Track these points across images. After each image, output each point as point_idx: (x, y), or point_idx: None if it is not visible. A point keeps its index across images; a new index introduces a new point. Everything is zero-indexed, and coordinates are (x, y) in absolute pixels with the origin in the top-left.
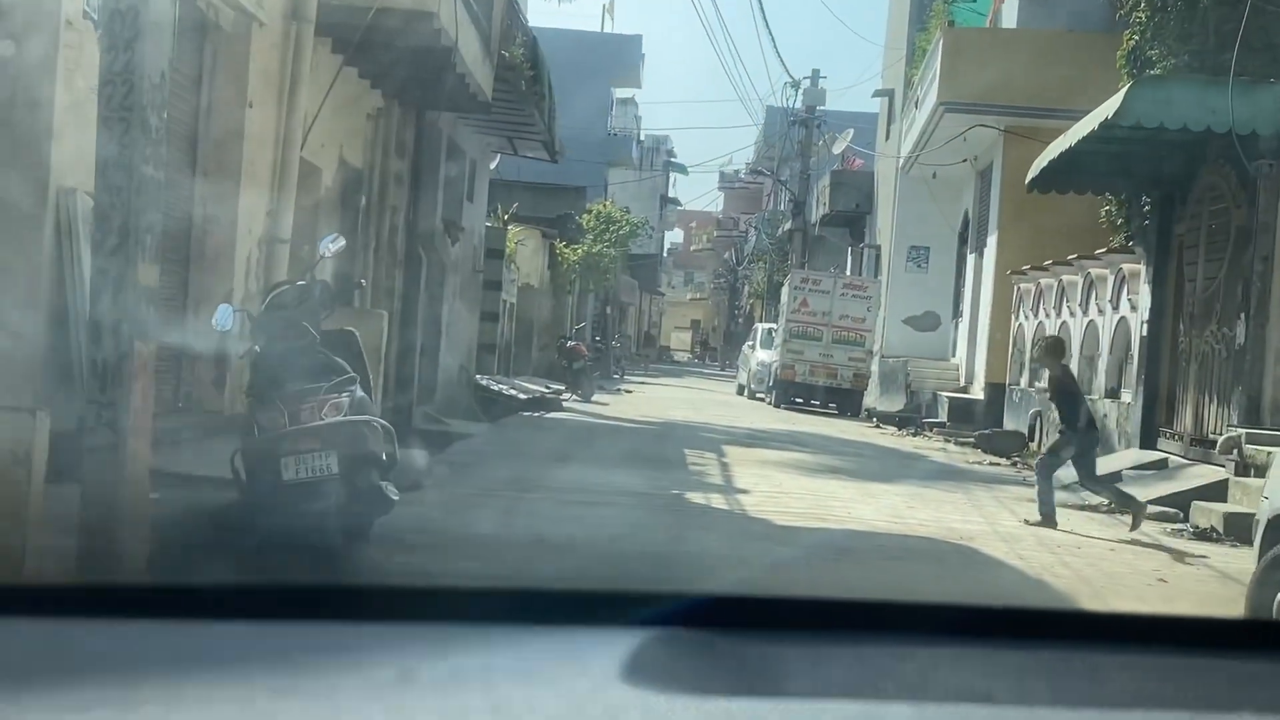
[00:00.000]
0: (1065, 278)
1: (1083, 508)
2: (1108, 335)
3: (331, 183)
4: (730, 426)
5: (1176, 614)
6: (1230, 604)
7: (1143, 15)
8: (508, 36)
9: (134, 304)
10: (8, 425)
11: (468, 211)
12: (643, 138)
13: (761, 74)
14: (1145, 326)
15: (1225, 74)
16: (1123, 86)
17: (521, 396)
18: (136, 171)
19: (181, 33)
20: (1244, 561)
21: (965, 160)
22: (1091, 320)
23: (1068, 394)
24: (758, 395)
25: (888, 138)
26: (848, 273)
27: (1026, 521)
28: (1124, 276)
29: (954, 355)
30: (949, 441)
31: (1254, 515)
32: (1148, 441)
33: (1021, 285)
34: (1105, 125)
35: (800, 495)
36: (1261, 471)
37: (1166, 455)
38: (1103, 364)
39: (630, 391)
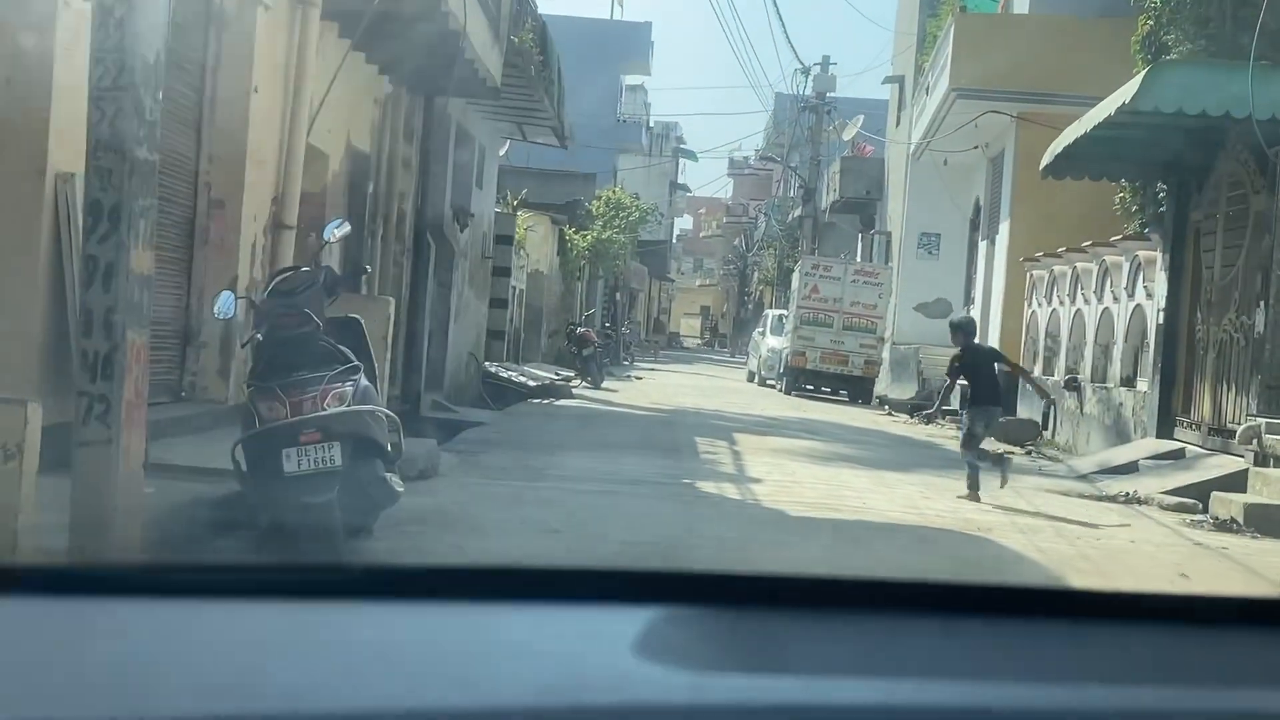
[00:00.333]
0: (1079, 265)
1: (1099, 499)
2: (1123, 323)
3: (339, 169)
4: (741, 414)
5: (1177, 592)
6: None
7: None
8: (517, 21)
9: (127, 292)
10: None
11: (477, 198)
12: (652, 124)
13: (772, 60)
14: (1161, 314)
15: (1242, 59)
16: (1137, 72)
17: (531, 383)
18: (129, 154)
19: (185, 16)
20: (1268, 554)
21: (976, 147)
22: (1106, 308)
23: (972, 369)
24: (768, 382)
25: (898, 124)
26: (858, 259)
27: (958, 496)
28: (1140, 264)
29: None
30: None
31: (1278, 505)
32: (1164, 431)
33: (1034, 272)
34: (1122, 110)
35: (813, 484)
36: None
37: (1183, 445)
38: (1118, 352)
39: (640, 378)
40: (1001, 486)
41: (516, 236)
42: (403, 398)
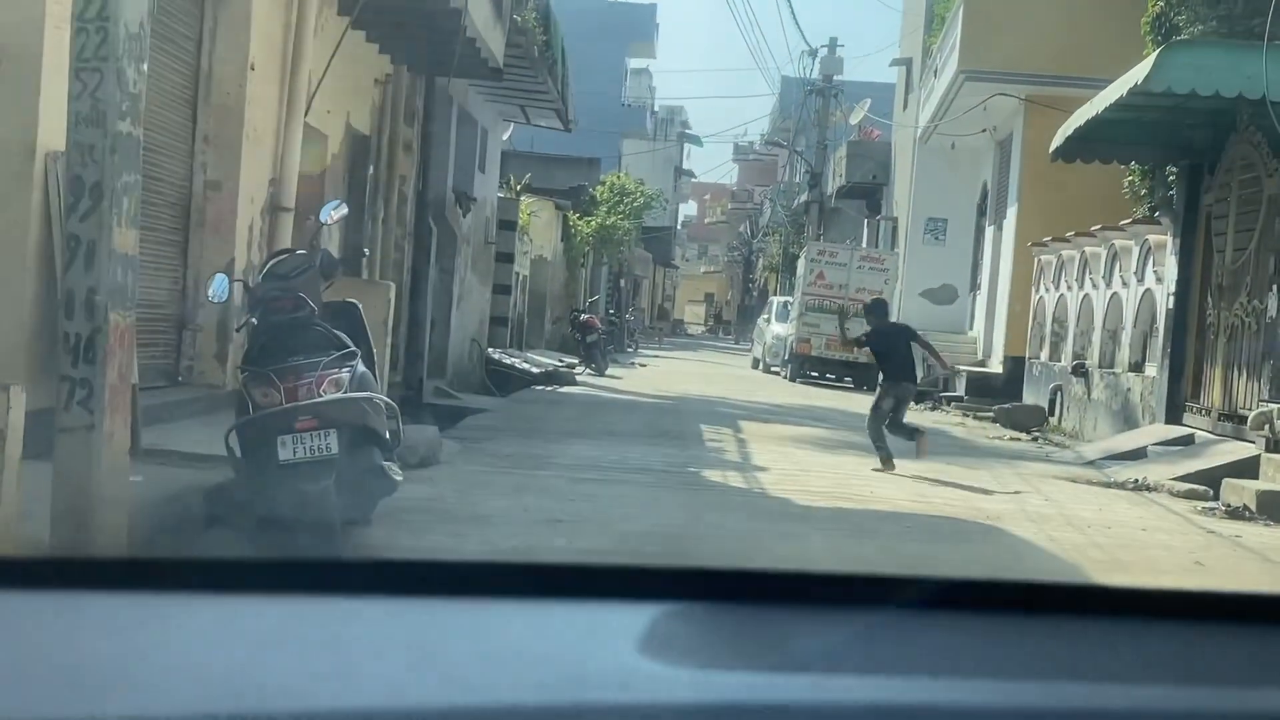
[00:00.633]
0: (1088, 249)
1: (1108, 485)
2: (1132, 308)
3: (338, 150)
4: (746, 401)
5: (1188, 588)
6: (1275, 586)
7: None
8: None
9: (110, 272)
10: None
11: (480, 182)
12: (657, 108)
13: (778, 42)
14: (1171, 299)
15: (1254, 40)
16: (1147, 54)
17: (534, 370)
18: (111, 128)
19: None
20: None
21: (984, 130)
22: (1115, 293)
23: (885, 348)
24: (773, 369)
25: (905, 108)
26: (864, 245)
27: (874, 469)
28: (1149, 248)
29: (971, 329)
30: (967, 416)
31: None
32: (1173, 416)
33: (1043, 257)
34: (1135, 91)
35: (820, 473)
36: None
37: (1193, 431)
38: (1126, 337)
39: (644, 365)
40: (918, 458)
41: (520, 222)
42: (405, 384)
